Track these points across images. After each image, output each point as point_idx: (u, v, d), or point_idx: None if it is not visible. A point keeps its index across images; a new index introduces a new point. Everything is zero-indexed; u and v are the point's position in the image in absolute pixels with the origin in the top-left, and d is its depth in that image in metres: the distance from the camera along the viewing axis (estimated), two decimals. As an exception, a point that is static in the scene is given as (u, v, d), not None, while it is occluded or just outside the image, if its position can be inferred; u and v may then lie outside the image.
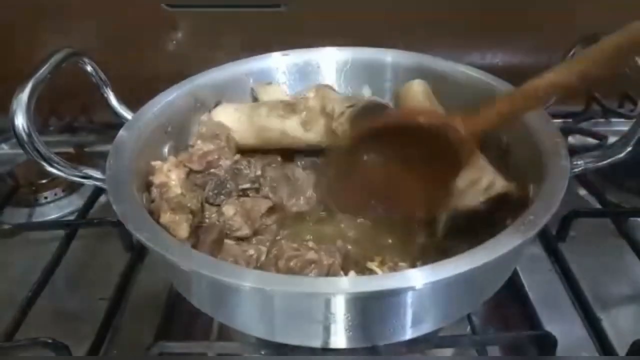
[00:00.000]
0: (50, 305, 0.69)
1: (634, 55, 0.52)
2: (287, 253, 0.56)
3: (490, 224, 0.56)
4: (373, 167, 0.64)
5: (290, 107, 0.69)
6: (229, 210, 0.63)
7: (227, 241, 0.59)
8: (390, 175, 0.63)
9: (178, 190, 0.62)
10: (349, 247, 0.61)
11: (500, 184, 0.59)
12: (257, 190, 0.69)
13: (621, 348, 0.61)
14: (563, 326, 0.64)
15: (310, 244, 0.58)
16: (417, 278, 0.45)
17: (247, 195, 0.68)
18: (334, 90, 0.74)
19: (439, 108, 0.71)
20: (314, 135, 0.68)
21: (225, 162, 0.67)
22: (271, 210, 0.66)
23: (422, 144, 0.59)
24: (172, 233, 0.58)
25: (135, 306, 0.70)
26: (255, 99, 0.79)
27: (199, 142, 0.69)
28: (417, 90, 0.73)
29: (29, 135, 0.55)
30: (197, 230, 0.62)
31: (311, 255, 0.56)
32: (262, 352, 0.57)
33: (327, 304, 0.48)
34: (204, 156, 0.66)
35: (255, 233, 0.64)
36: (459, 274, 0.45)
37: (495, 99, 0.59)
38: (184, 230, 0.58)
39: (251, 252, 0.57)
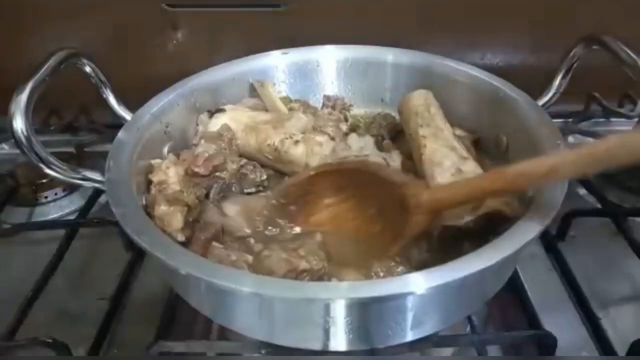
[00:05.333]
0: (50, 305, 0.68)
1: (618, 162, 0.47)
2: (280, 267, 0.55)
3: (485, 235, 0.55)
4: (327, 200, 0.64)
5: (277, 153, 0.69)
6: (231, 210, 0.63)
7: (215, 244, 0.59)
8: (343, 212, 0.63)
9: (177, 187, 0.62)
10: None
11: (489, 203, 0.56)
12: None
13: (621, 348, 0.61)
14: (563, 326, 0.64)
15: (301, 251, 0.57)
16: (419, 283, 0.45)
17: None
18: (322, 130, 0.72)
19: (443, 118, 0.70)
20: None
21: (231, 166, 0.67)
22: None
23: (378, 196, 0.59)
24: (166, 225, 0.58)
25: (135, 306, 0.70)
26: (254, 94, 0.80)
27: (202, 141, 0.70)
28: (416, 103, 0.71)
29: (28, 137, 0.54)
30: (193, 226, 0.62)
31: (303, 264, 0.55)
32: (262, 352, 0.57)
33: (327, 308, 0.48)
34: (210, 160, 0.66)
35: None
36: (460, 278, 0.45)
37: (464, 180, 0.58)
38: (178, 221, 0.58)
39: (233, 257, 0.57)
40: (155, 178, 0.63)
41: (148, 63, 0.98)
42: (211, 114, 0.74)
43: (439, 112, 0.70)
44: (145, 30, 0.96)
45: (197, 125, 0.74)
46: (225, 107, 0.76)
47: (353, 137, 0.69)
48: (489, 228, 0.57)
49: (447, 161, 0.62)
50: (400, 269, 0.56)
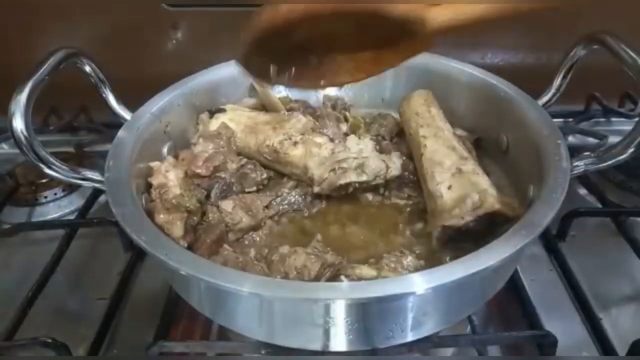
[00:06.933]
0: (50, 305, 0.68)
1: None
2: (312, 264, 0.55)
3: (486, 234, 0.56)
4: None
5: (275, 154, 0.69)
6: (227, 205, 0.63)
7: (226, 246, 0.59)
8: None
9: (177, 191, 0.62)
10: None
11: (489, 203, 0.56)
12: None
13: (621, 348, 0.61)
14: (563, 326, 0.64)
15: (317, 248, 0.58)
16: (419, 283, 0.45)
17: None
18: (321, 132, 0.72)
19: (443, 118, 0.70)
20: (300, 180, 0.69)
21: (231, 165, 0.67)
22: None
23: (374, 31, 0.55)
24: (167, 232, 0.58)
25: (135, 306, 0.70)
26: (253, 94, 0.80)
27: (200, 140, 0.69)
28: (417, 103, 0.71)
29: (27, 137, 0.54)
30: (197, 229, 0.62)
31: (331, 258, 0.55)
32: (262, 352, 0.57)
33: (328, 309, 0.48)
34: (210, 160, 0.66)
35: (257, 227, 0.64)
36: (461, 278, 0.45)
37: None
38: (178, 229, 0.58)
39: (241, 259, 0.57)
40: (155, 181, 0.62)
41: (148, 63, 0.98)
42: (212, 113, 0.74)
43: (439, 112, 0.70)
44: (145, 30, 0.96)
45: (198, 124, 0.74)
46: (226, 106, 0.76)
47: (352, 138, 0.70)
48: (489, 229, 0.57)
49: (448, 161, 0.62)
50: (409, 259, 0.56)
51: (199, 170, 0.65)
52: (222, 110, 0.74)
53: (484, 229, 0.57)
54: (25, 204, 0.87)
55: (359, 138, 0.70)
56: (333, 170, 0.65)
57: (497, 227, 0.55)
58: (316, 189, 0.66)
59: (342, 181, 0.65)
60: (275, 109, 0.77)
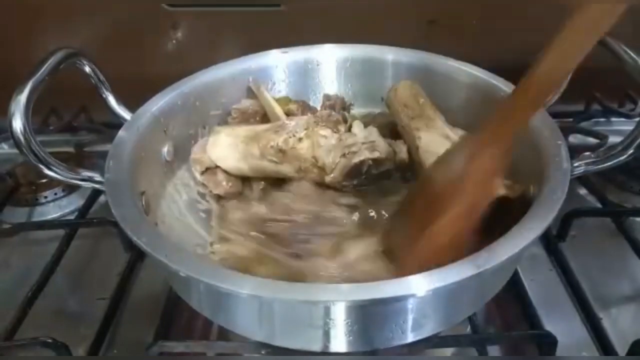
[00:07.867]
0: (50, 305, 0.68)
1: None
2: None
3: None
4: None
5: (281, 154, 0.68)
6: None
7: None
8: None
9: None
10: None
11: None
12: None
13: (621, 348, 0.61)
14: (563, 326, 0.64)
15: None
16: (420, 285, 0.45)
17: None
18: (327, 126, 0.72)
19: (432, 106, 0.70)
20: (310, 176, 0.69)
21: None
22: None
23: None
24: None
25: (135, 306, 0.70)
26: (250, 96, 0.80)
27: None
28: (404, 95, 0.72)
29: (27, 138, 0.54)
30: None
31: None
32: (262, 352, 0.56)
33: (327, 310, 0.48)
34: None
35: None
36: (461, 280, 0.45)
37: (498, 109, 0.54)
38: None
39: None
40: None
41: (148, 63, 0.98)
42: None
43: (427, 101, 0.70)
44: (145, 30, 0.96)
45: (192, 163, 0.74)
46: (216, 127, 0.75)
47: (357, 124, 0.69)
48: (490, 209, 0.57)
49: (444, 150, 0.63)
50: None
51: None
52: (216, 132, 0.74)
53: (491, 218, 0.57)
54: (25, 204, 0.87)
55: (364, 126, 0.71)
56: (343, 155, 0.65)
57: (505, 214, 0.56)
58: (328, 179, 0.66)
59: (356, 159, 0.64)
60: (272, 112, 0.77)
